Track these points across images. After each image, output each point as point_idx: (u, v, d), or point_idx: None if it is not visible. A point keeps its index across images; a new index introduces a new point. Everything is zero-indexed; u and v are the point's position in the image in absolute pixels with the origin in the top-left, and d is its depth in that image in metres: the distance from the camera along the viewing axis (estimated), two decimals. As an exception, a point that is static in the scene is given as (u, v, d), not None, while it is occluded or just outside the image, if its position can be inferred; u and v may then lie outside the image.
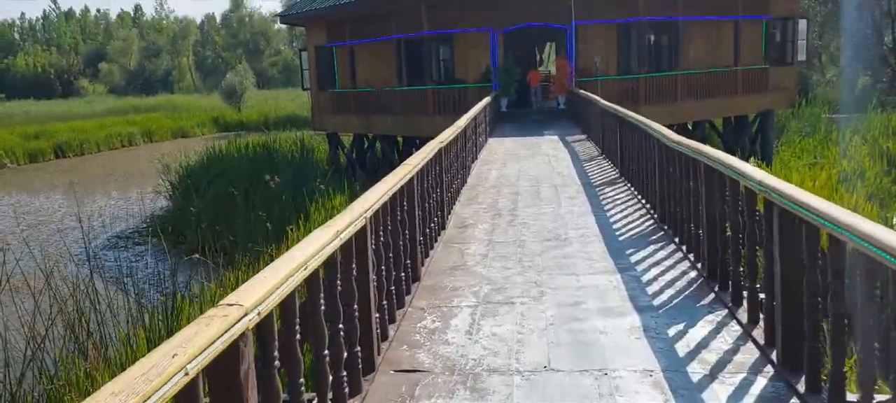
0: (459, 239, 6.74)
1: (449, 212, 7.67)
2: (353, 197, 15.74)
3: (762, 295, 4.01)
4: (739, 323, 4.25)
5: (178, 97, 79.11)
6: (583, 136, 14.98)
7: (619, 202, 8.06)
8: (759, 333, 4.00)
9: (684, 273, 5.30)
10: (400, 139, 24.88)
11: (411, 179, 5.18)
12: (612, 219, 7.22)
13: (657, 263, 5.59)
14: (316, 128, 25.86)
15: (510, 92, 20.61)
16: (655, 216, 7.04)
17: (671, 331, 4.17)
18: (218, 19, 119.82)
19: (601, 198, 8.38)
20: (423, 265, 5.71)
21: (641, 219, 7.13)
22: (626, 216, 7.33)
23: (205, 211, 18.00)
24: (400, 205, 4.79)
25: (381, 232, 4.23)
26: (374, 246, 4.00)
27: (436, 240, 6.51)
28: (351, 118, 23.57)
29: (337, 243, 3.23)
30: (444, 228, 7.10)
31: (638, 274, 5.32)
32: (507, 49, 21.14)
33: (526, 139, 15.18)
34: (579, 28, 20.61)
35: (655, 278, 5.21)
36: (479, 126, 12.88)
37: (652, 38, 21.40)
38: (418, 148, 20.21)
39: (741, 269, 4.55)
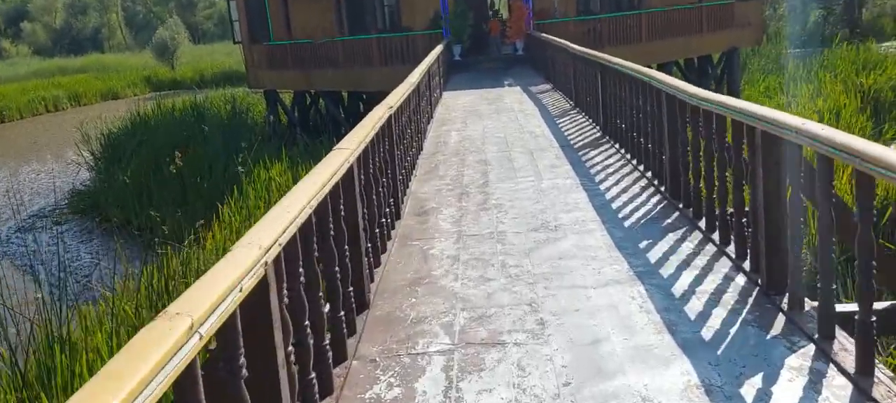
0: (419, 233, 5.20)
1: (404, 194, 6.12)
2: (292, 163, 14.00)
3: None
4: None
5: (109, 56, 74.90)
6: (548, 86, 13.47)
7: (610, 170, 6.60)
8: None
9: (728, 278, 3.89)
10: (345, 94, 22.99)
11: (349, 171, 3.61)
12: (608, 195, 5.76)
13: (687, 263, 4.16)
14: (251, 85, 23.75)
15: (464, 38, 18.90)
16: (663, 190, 5.61)
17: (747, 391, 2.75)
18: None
19: (587, 164, 6.92)
20: (372, 282, 4.17)
21: (646, 194, 5.69)
22: (624, 189, 5.88)
23: (128, 183, 16.05)
24: (330, 219, 3.21)
25: (301, 272, 2.66)
26: (288, 300, 2.44)
27: (388, 238, 4.96)
28: (289, 73, 21.54)
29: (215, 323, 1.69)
30: (398, 217, 5.54)
31: (665, 282, 3.89)
32: (457, -9, 19.36)
33: (485, 91, 13.61)
34: (535, -34, 18.94)
35: (692, 289, 3.78)
36: (432, 79, 11.25)
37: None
38: (365, 104, 18.47)
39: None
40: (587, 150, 7.49)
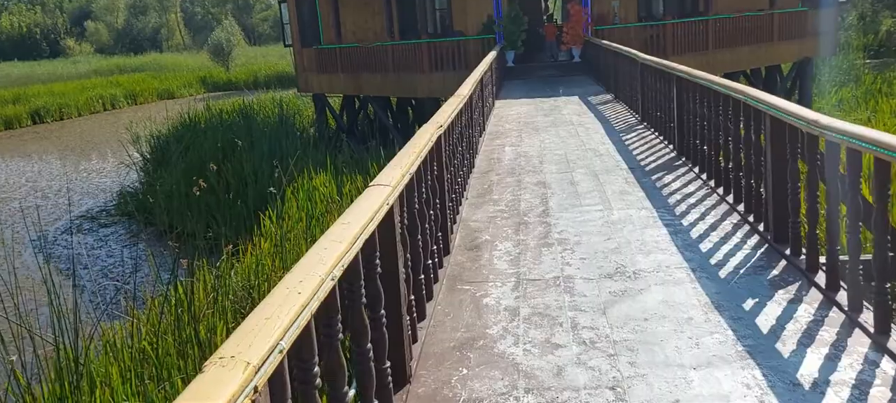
0: (472, 274, 4.45)
1: (454, 223, 5.37)
2: (336, 172, 13.41)
3: None
4: None
5: (166, 56, 76.64)
6: (609, 97, 12.55)
7: (692, 200, 5.73)
8: None
9: (870, 362, 3.02)
10: (393, 100, 22.42)
11: (388, 215, 2.87)
12: (693, 233, 4.91)
13: (809, 336, 3.30)
14: (301, 89, 23.36)
15: (517, 44, 18.08)
16: (761, 229, 4.73)
17: None
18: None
19: (663, 191, 6.05)
20: (415, 343, 3.44)
21: (740, 233, 4.82)
22: (712, 227, 5.01)
23: (174, 188, 15.75)
24: (361, 282, 2.47)
25: (316, 374, 1.93)
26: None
27: (435, 281, 4.22)
28: (338, 77, 21.06)
29: None
30: (447, 251, 4.80)
31: (786, 364, 3.05)
32: (510, -4, 18.57)
33: (540, 101, 12.78)
34: (594, -31, 18.01)
35: (825, 377, 2.92)
36: (485, 88, 10.49)
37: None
38: (414, 110, 17.80)
39: None
40: (661, 174, 6.62)
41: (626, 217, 5.35)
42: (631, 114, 10.21)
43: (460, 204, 5.91)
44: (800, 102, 20.81)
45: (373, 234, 2.63)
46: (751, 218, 4.95)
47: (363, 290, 2.48)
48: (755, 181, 4.90)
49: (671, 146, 7.62)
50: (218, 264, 9.12)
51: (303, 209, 11.23)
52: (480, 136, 9.03)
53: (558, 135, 9.03)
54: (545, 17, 25.77)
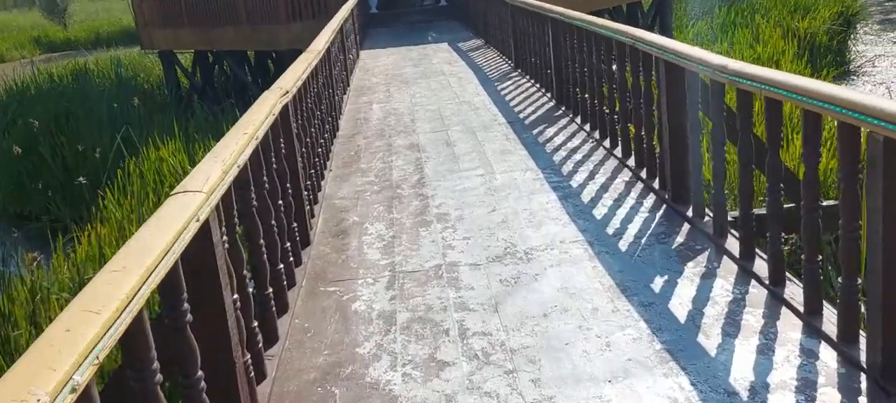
0: (337, 271, 3.70)
1: (315, 203, 4.58)
2: (188, 139, 12.05)
3: None
4: None
5: (-5, 14, 68.89)
6: (480, 42, 11.95)
7: (578, 155, 5.22)
8: None
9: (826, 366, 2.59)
10: (251, 54, 20.79)
11: (204, 230, 2.06)
12: (584, 196, 4.39)
13: (735, 324, 2.83)
14: (144, 46, 21.13)
15: (380, -12, 17.09)
16: (656, 186, 4.28)
17: None
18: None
19: (547, 147, 5.50)
20: (263, 383, 2.67)
21: (633, 193, 4.34)
22: (604, 186, 4.51)
23: (2, 165, 13.74)
24: (181, 315, 1.67)
25: None
26: None
27: (291, 285, 3.44)
28: (186, 32, 19.15)
29: None
30: (307, 243, 4.01)
31: (715, 364, 2.56)
32: (371, -64, 17.46)
33: (408, 49, 11.98)
34: None
35: (777, 383, 2.45)
36: (346, 38, 9.56)
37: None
38: (275, 63, 16.44)
39: None
40: (542, 127, 6.08)
41: (510, 181, 4.76)
42: (504, 60, 9.65)
43: (322, 179, 5.10)
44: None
45: (175, 267, 1.82)
46: (643, 175, 4.49)
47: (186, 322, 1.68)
48: (646, 133, 4.43)
49: (549, 95, 7.11)
50: (50, 255, 7.90)
51: (148, 185, 9.95)
52: (344, 94, 8.16)
53: (430, 88, 8.32)
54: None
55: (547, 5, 6.81)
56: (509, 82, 8.16)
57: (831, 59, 18.20)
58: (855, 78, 18.82)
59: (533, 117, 6.46)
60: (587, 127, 5.80)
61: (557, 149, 5.41)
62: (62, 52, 46.27)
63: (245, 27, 17.77)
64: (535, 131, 5.99)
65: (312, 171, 4.62)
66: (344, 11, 9.60)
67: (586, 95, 5.82)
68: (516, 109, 6.83)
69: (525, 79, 8.14)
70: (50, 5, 55.01)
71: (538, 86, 7.57)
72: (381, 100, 7.95)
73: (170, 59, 20.50)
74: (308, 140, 4.56)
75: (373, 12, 17.04)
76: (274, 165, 3.34)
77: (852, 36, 20.90)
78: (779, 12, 20.26)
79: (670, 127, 3.93)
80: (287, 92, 3.74)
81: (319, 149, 5.12)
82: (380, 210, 4.50)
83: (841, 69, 18.46)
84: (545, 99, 7.09)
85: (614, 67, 5.01)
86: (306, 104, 4.71)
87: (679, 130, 3.88)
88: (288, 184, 3.58)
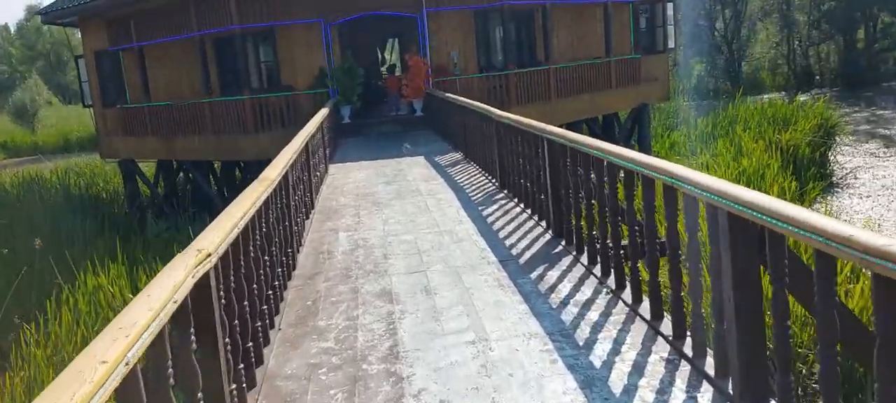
0: None
1: (251, 387, 3.43)
2: (132, 262, 10.81)
3: None
4: None
5: (-39, 119, 67.92)
6: (458, 155, 11.11)
7: (593, 313, 4.15)
8: None
9: None
10: (217, 164, 19.84)
11: None
12: (615, 380, 3.29)
13: None
14: (104, 154, 20.13)
15: (353, 98, 16.40)
16: (707, 370, 3.21)
17: None
18: (12, 30, 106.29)
19: (551, 299, 4.44)
20: None
21: (679, 378, 3.27)
22: (639, 369, 3.42)
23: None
24: None
25: None
26: None
27: None
28: (148, 141, 18.20)
29: None
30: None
31: None
32: (343, 47, 16.92)
33: (382, 163, 11.08)
34: (431, 17, 16.85)
35: None
36: (313, 153, 8.62)
37: (512, 27, 18.00)
38: (242, 175, 15.44)
39: None
40: (542, 269, 5.04)
41: (510, 353, 3.66)
42: (487, 178, 8.74)
43: (267, 345, 3.96)
44: (639, 147, 20.80)
45: None
46: (686, 349, 3.43)
47: None
48: (673, 283, 3.41)
49: (544, 223, 6.12)
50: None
51: (81, 316, 8.66)
52: (307, 219, 7.11)
53: (405, 212, 7.31)
54: (385, 69, 24.44)
55: (541, 125, 5.93)
56: (495, 206, 7.19)
57: (815, 171, 17.78)
58: (840, 190, 18.39)
59: (528, 255, 5.44)
60: (597, 270, 4.78)
61: (565, 302, 4.35)
62: (29, 156, 45.22)
63: (210, 137, 16.90)
64: (533, 274, 4.94)
65: (250, 344, 3.49)
66: (312, 125, 8.72)
67: (595, 231, 4.84)
68: (507, 243, 5.81)
69: (513, 203, 7.18)
70: (19, 111, 54.27)
71: (530, 213, 6.60)
72: (349, 226, 6.90)
73: (130, 169, 19.44)
74: (245, 304, 3.45)
75: (345, 123, 16.29)
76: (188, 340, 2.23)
77: (832, 147, 20.69)
78: (758, 124, 20.01)
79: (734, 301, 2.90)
80: (208, 255, 2.66)
81: (264, 307, 4.01)
82: (338, 399, 3.35)
83: (826, 182, 18.04)
84: (540, 229, 6.10)
85: (622, 198, 4.05)
86: (248, 251, 3.63)
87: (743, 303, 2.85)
88: (199, 394, 2.44)
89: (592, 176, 4.74)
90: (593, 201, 4.77)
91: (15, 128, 53.62)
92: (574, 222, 5.25)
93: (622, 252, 4.39)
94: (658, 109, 26.77)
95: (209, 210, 17.43)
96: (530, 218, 6.49)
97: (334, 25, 16.46)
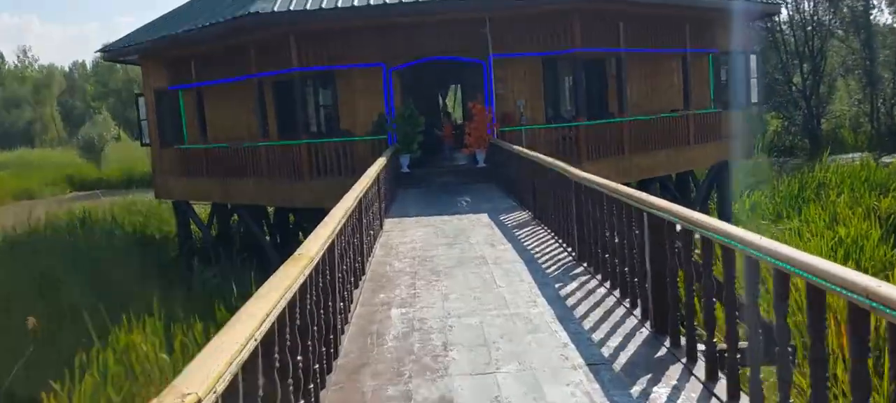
0: None
1: None
2: (170, 317, 10.07)
3: None
4: None
5: (35, 152, 71.02)
6: (526, 216, 10.07)
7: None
8: None
9: None
10: (270, 210, 19.30)
11: None
12: None
13: None
14: (159, 195, 19.85)
15: (413, 146, 15.61)
16: None
17: None
18: (88, 66, 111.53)
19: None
20: None
21: None
22: None
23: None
24: None
25: None
26: None
27: None
28: (203, 182, 17.80)
29: None
30: None
31: None
32: (404, 92, 16.22)
33: (442, 220, 10.12)
34: (497, 63, 16.01)
35: None
36: (368, 209, 7.73)
37: (582, 75, 16.97)
38: (295, 223, 14.73)
39: None
40: (647, 383, 3.92)
41: None
42: (562, 247, 7.66)
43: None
44: (719, 208, 19.34)
45: None
46: None
47: None
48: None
49: (638, 312, 5.01)
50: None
51: (108, 382, 7.89)
52: (356, 289, 6.17)
53: (469, 284, 6.28)
54: (443, 116, 23.76)
55: (640, 194, 4.86)
56: (575, 284, 6.09)
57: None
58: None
59: (624, 358, 4.32)
60: (720, 389, 3.65)
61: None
62: (93, 190, 46.34)
63: (265, 181, 16.33)
64: (634, 389, 3.83)
65: None
66: (368, 178, 7.85)
67: (715, 338, 3.72)
68: (595, 337, 4.70)
69: (596, 282, 6.07)
70: (87, 145, 55.88)
71: (619, 296, 5.49)
72: (403, 300, 5.91)
73: (184, 210, 19.05)
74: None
75: (404, 171, 15.49)
76: None
77: (940, 218, 18.78)
78: (852, 187, 18.35)
79: None
80: (255, 339, 1.70)
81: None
82: None
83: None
84: (634, 320, 4.98)
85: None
86: (266, 378, 2.66)
87: None
88: None
89: (706, 266, 3.64)
90: (716, 300, 3.66)
91: (82, 162, 55.21)
92: (685, 320, 4.14)
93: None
94: (744, 169, 25.22)
95: (262, 258, 16.81)
96: (619, 303, 5.38)
97: (396, 70, 15.79)
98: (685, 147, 17.87)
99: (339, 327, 4.80)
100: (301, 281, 3.37)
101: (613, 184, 5.47)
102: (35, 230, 17.58)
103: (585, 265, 6.62)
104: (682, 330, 4.18)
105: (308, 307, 3.55)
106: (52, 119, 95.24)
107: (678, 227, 4.09)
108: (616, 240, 5.55)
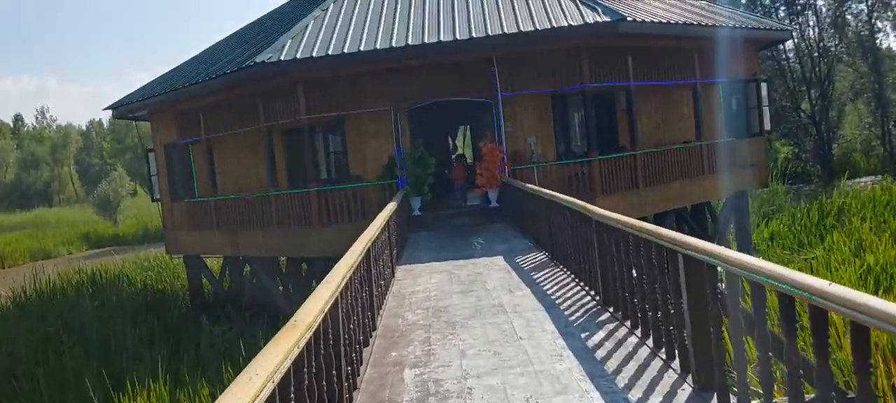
0: None
1: None
2: (177, 382, 9.68)
3: None
4: None
5: (52, 211, 71.85)
6: (543, 257, 9.67)
7: None
8: None
9: None
10: (282, 261, 18.96)
11: None
12: None
13: None
14: (169, 250, 19.61)
15: (424, 188, 15.29)
16: None
17: None
18: (105, 124, 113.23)
19: None
20: None
21: None
22: None
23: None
24: None
25: None
26: None
27: None
28: (213, 236, 17.55)
29: None
30: None
31: None
32: (413, 134, 15.97)
33: (456, 265, 9.74)
34: (506, 101, 15.76)
35: None
36: (378, 258, 7.37)
37: (593, 110, 16.64)
38: (307, 272, 14.42)
39: None
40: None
41: None
42: (583, 289, 7.25)
43: None
44: (737, 238, 18.82)
45: None
46: None
47: None
48: None
49: (676, 364, 4.58)
50: None
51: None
52: (366, 347, 5.78)
53: (487, 337, 5.88)
54: (454, 158, 23.47)
55: (671, 233, 4.48)
56: (603, 333, 5.67)
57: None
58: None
59: (667, 417, 3.90)
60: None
61: None
62: (109, 247, 46.38)
63: (275, 231, 16.04)
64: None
65: None
66: (375, 227, 7.50)
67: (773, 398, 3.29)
68: (633, 398, 4.26)
69: (626, 329, 5.65)
70: (102, 202, 56.13)
71: (654, 347, 5.06)
72: (417, 359, 5.51)
73: (195, 264, 18.76)
74: None
75: (416, 215, 15.15)
76: None
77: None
78: (874, 212, 17.80)
79: None
80: None
81: None
82: None
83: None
84: (672, 374, 4.54)
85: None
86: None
87: None
88: None
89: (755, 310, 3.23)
90: (773, 356, 3.24)
91: (98, 219, 55.44)
92: (736, 381, 3.72)
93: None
94: (752, 196, 24.67)
95: (274, 313, 16.45)
96: (654, 354, 4.95)
97: (404, 113, 15.56)
98: (700, 177, 17.46)
99: (348, 395, 4.40)
100: (296, 353, 3.00)
101: (640, 223, 5.09)
102: (44, 291, 17.30)
103: (611, 310, 6.20)
104: (732, 387, 3.75)
105: (306, 381, 3.17)
106: (69, 177, 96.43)
107: (719, 270, 3.70)
108: (645, 284, 5.14)
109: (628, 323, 5.68)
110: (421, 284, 8.63)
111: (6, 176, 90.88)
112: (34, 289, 17.43)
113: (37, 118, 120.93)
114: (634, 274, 5.44)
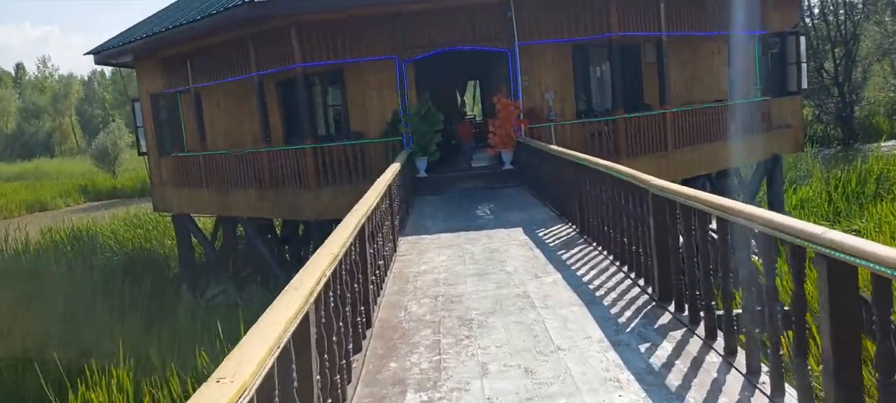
0: None
1: None
2: (138, 361, 8.41)
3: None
4: None
5: (52, 162, 70.84)
6: (570, 229, 8.31)
7: None
8: None
9: None
10: (277, 223, 17.66)
11: None
12: None
13: None
14: (157, 207, 18.30)
15: (431, 148, 13.87)
16: None
17: None
18: (107, 74, 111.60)
19: None
20: None
21: None
22: None
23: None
24: None
25: None
26: None
27: None
28: (201, 193, 16.21)
29: None
30: None
31: None
32: (419, 88, 14.49)
33: (468, 236, 8.39)
34: (523, 52, 14.23)
35: None
36: (376, 234, 6.02)
37: (618, 64, 15.07)
38: (302, 235, 13.02)
39: None
40: None
41: None
42: (628, 276, 5.88)
43: None
44: (769, 204, 17.43)
45: None
46: None
47: None
48: None
49: (775, 393, 3.25)
50: None
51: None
52: (361, 351, 4.46)
53: (513, 345, 4.52)
54: (462, 114, 21.99)
55: (785, 220, 3.09)
56: (670, 345, 4.28)
57: None
58: None
59: None
60: None
61: None
62: (108, 200, 45.32)
63: (268, 191, 14.69)
64: None
65: None
66: (376, 190, 6.14)
67: None
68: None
69: (700, 341, 4.29)
70: (101, 154, 54.87)
71: (747, 372, 3.70)
72: (424, 375, 4.16)
73: (184, 224, 17.47)
74: None
75: (421, 176, 13.77)
76: None
77: None
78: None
79: None
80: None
81: None
82: None
83: None
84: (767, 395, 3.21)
85: None
86: None
87: None
88: None
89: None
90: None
91: (96, 171, 54.33)
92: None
93: None
94: (790, 162, 23.24)
95: (266, 276, 15.22)
96: (751, 383, 3.58)
97: (410, 62, 14.06)
98: (732, 139, 15.97)
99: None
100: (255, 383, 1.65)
101: (733, 203, 3.69)
102: (18, 251, 16.10)
103: (674, 310, 4.84)
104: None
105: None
106: (71, 128, 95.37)
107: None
108: (731, 284, 3.77)
109: (701, 332, 4.32)
110: (427, 262, 7.29)
111: (8, 125, 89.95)
112: (4, 248, 16.20)
113: (39, 67, 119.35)
114: (711, 267, 4.08)
